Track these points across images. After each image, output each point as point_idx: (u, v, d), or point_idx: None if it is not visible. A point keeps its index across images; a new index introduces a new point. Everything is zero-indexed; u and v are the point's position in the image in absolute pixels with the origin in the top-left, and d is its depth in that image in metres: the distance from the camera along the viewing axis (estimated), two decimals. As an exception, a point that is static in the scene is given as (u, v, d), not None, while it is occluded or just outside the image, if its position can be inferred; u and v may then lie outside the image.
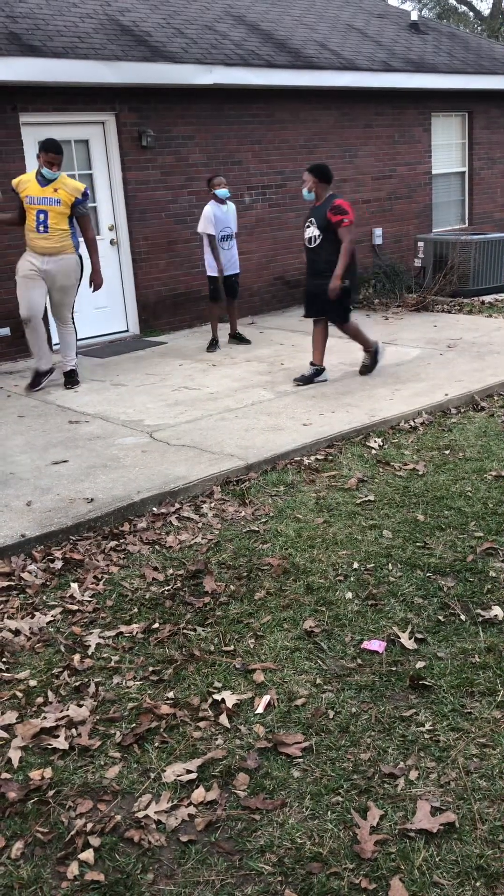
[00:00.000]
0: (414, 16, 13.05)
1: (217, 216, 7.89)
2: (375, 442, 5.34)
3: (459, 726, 2.64)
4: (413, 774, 2.45)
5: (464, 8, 31.62)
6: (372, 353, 6.86)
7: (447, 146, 12.00)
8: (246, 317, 9.80)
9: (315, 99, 10.23)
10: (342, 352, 7.74)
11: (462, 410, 5.96)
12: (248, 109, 9.64)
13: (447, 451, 5.13)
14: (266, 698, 2.82)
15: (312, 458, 5.13)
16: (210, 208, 7.88)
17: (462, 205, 12.44)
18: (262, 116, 9.79)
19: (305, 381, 6.65)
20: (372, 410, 5.85)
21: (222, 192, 7.87)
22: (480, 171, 12.37)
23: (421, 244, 10.85)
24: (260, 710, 2.78)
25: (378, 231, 11.20)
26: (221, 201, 7.94)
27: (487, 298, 10.14)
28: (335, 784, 2.43)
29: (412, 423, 5.69)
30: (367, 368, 6.88)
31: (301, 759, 2.54)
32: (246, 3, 11.01)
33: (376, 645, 3.09)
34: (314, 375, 6.71)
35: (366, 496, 4.49)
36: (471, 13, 31.62)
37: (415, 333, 8.41)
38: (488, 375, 6.56)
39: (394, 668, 2.96)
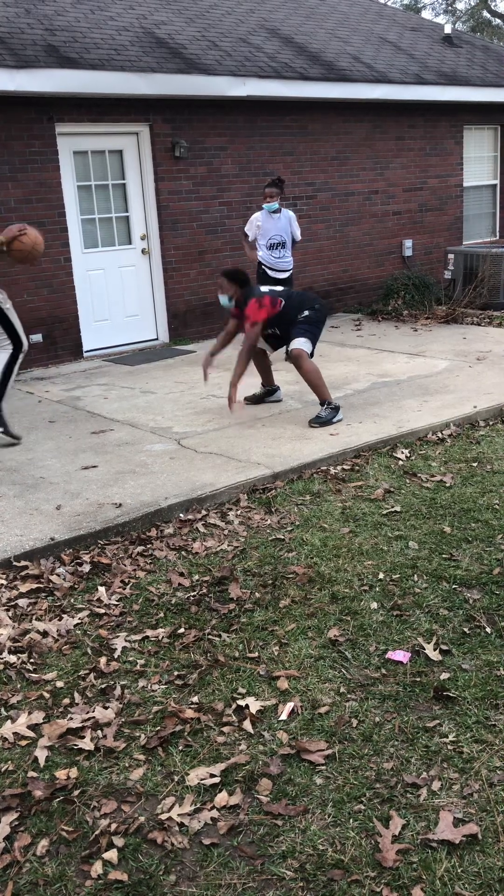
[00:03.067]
0: (447, 29, 13.07)
1: (262, 223, 7.91)
2: (402, 453, 5.34)
3: (483, 738, 2.63)
4: (436, 785, 2.45)
5: (498, 21, 31.58)
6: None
7: (479, 159, 11.99)
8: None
9: (347, 111, 10.28)
10: (371, 363, 7.75)
11: (491, 423, 5.94)
12: (280, 121, 9.71)
13: (475, 464, 5.11)
14: (290, 705, 2.84)
15: (339, 467, 5.14)
16: (256, 214, 7.95)
17: (493, 217, 12.41)
18: (294, 128, 9.86)
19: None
20: (399, 421, 5.84)
21: (268, 206, 7.80)
22: (512, 183, 12.33)
23: (451, 256, 10.84)
24: (284, 716, 2.79)
25: (408, 242, 11.20)
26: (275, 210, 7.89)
27: (517, 311, 10.08)
28: (358, 792, 2.44)
29: (440, 435, 5.68)
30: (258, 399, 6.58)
31: (324, 767, 2.55)
32: (280, 16, 11.10)
33: (401, 655, 3.09)
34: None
35: (392, 507, 4.49)
36: (505, 26, 31.53)
37: (444, 345, 8.39)
38: (517, 388, 6.53)
39: (418, 679, 2.96)
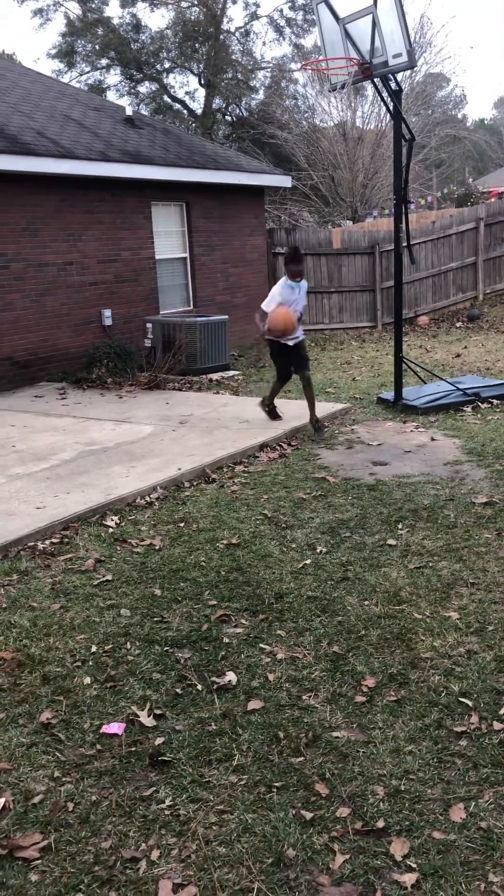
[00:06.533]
0: (129, 111, 13.75)
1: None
2: (112, 520, 5.37)
3: (198, 797, 2.69)
4: (154, 854, 2.44)
5: (178, 105, 33.84)
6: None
7: (168, 233, 12.65)
8: (-25, 400, 9.46)
9: (35, 184, 10.34)
10: (78, 431, 7.74)
11: (195, 483, 6.19)
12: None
13: (182, 524, 5.28)
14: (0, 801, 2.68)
15: (48, 542, 5.04)
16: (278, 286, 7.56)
17: (186, 288, 13.11)
18: (-20, 199, 9.70)
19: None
20: (108, 489, 5.88)
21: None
22: (201, 257, 13.15)
23: (150, 325, 11.24)
24: (-6, 816, 2.63)
25: (107, 312, 11.43)
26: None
27: (214, 376, 10.69)
28: (76, 880, 2.36)
29: (148, 499, 5.80)
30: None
31: (39, 861, 2.44)
32: (-41, 87, 10.96)
33: (115, 727, 3.07)
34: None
35: (103, 576, 4.49)
36: (185, 111, 33.89)
37: (148, 411, 8.63)
38: (217, 449, 6.89)
39: (133, 749, 2.95)
